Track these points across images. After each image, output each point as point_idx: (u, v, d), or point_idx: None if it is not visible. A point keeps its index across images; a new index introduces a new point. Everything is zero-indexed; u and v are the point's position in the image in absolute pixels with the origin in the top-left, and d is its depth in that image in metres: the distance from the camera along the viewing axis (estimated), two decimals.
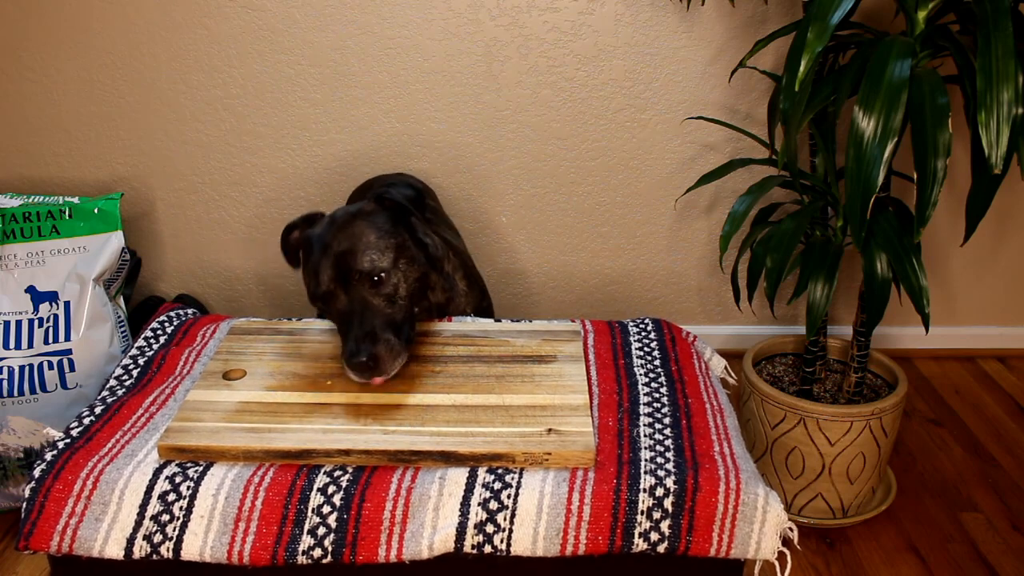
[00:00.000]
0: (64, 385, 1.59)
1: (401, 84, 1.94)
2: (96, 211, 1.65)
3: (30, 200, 1.65)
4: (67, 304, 1.60)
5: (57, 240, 1.63)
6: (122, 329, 1.68)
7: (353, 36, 1.89)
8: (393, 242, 1.35)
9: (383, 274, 1.31)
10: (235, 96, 1.95)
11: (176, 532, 1.08)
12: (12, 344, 1.57)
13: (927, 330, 1.41)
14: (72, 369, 1.60)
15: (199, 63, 1.91)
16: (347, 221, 1.35)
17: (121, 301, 1.74)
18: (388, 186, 1.43)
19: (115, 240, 1.66)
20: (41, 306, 1.60)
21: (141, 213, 2.06)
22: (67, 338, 1.60)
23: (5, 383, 1.55)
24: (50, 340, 1.59)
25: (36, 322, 1.59)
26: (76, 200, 1.66)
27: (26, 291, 1.59)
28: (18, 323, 1.58)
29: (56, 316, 1.60)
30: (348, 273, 1.30)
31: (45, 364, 1.58)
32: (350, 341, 1.26)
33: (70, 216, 1.64)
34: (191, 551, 1.08)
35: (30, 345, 1.57)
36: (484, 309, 1.66)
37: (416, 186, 1.44)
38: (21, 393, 1.56)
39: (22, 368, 1.57)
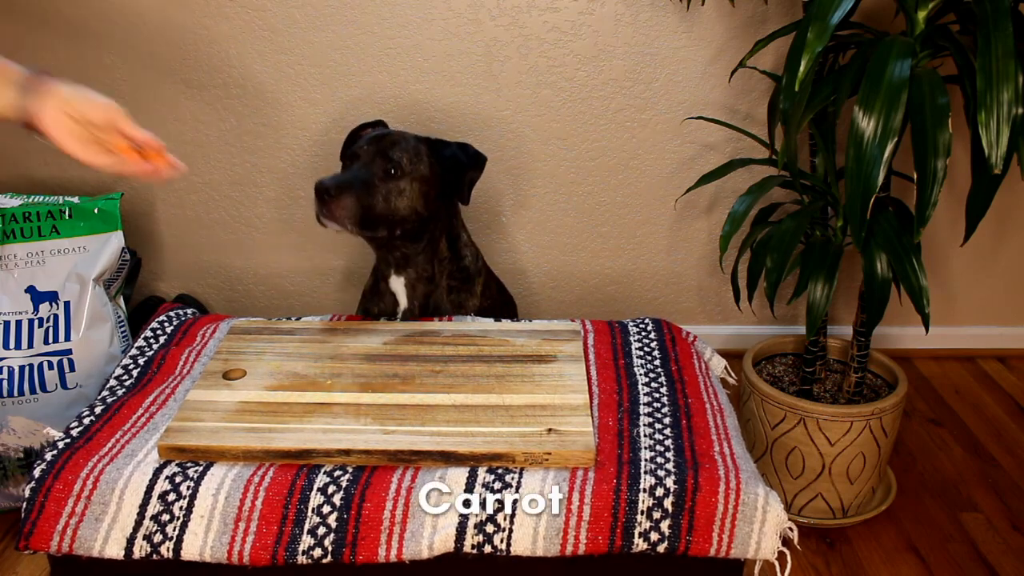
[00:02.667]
0: (64, 385, 1.59)
1: (401, 84, 1.94)
2: (96, 211, 1.65)
3: (30, 200, 1.65)
4: (67, 304, 1.60)
5: (57, 240, 1.63)
6: (122, 329, 1.68)
7: (353, 36, 1.89)
8: (423, 169, 1.46)
9: (400, 172, 1.42)
10: (235, 96, 1.95)
11: (176, 532, 1.08)
12: (12, 344, 1.57)
13: (927, 330, 1.41)
14: (72, 369, 1.60)
15: (199, 63, 1.91)
16: (412, 136, 1.50)
17: (121, 301, 1.74)
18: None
19: (115, 240, 1.66)
20: (41, 306, 1.60)
21: (141, 213, 2.06)
22: (67, 338, 1.60)
23: (5, 383, 1.55)
24: (50, 340, 1.59)
25: (36, 322, 1.59)
26: (76, 200, 1.66)
27: (26, 291, 1.59)
28: (18, 323, 1.58)
29: (56, 316, 1.60)
30: (379, 150, 1.44)
31: (45, 364, 1.58)
32: (335, 176, 1.39)
33: (70, 216, 1.64)
34: (191, 551, 1.08)
35: (30, 345, 1.57)
36: (504, 306, 1.72)
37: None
38: (21, 393, 1.56)
39: (22, 368, 1.57)
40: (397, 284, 1.53)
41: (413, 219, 1.46)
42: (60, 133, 0.98)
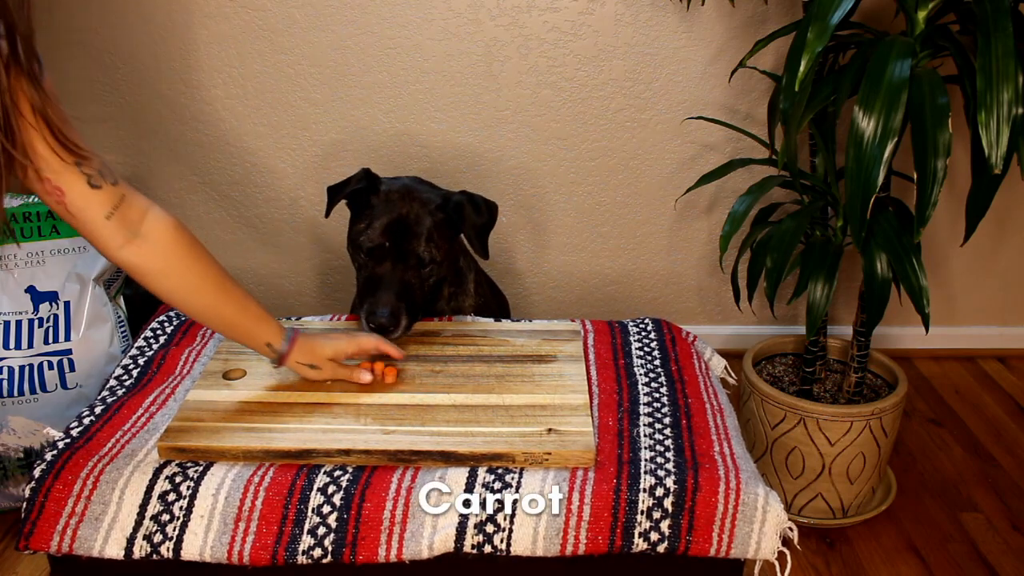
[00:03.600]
0: (64, 385, 1.59)
1: (401, 84, 1.94)
2: None
3: (30, 200, 1.65)
4: (67, 304, 1.60)
5: (57, 240, 1.63)
6: (122, 329, 1.68)
7: (353, 36, 1.89)
8: (444, 244, 1.46)
9: (430, 263, 1.44)
10: (235, 96, 1.95)
11: (176, 532, 1.08)
12: (12, 344, 1.57)
13: (927, 330, 1.40)
14: (72, 369, 1.60)
15: (199, 63, 1.91)
16: (425, 212, 1.45)
17: (121, 301, 1.74)
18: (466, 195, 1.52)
19: None
20: (41, 306, 1.60)
21: None
22: (67, 338, 1.60)
23: (5, 383, 1.55)
24: (50, 340, 1.59)
25: (36, 322, 1.59)
26: None
27: (26, 291, 1.59)
28: (18, 323, 1.58)
29: (56, 316, 1.60)
30: (404, 248, 1.42)
31: (45, 364, 1.58)
32: (378, 302, 1.39)
33: None
34: (191, 551, 1.08)
35: (30, 345, 1.57)
36: (499, 306, 1.70)
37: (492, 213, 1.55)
38: (21, 393, 1.56)
39: (22, 368, 1.56)
40: None
41: (442, 280, 1.51)
42: (296, 370, 1.27)
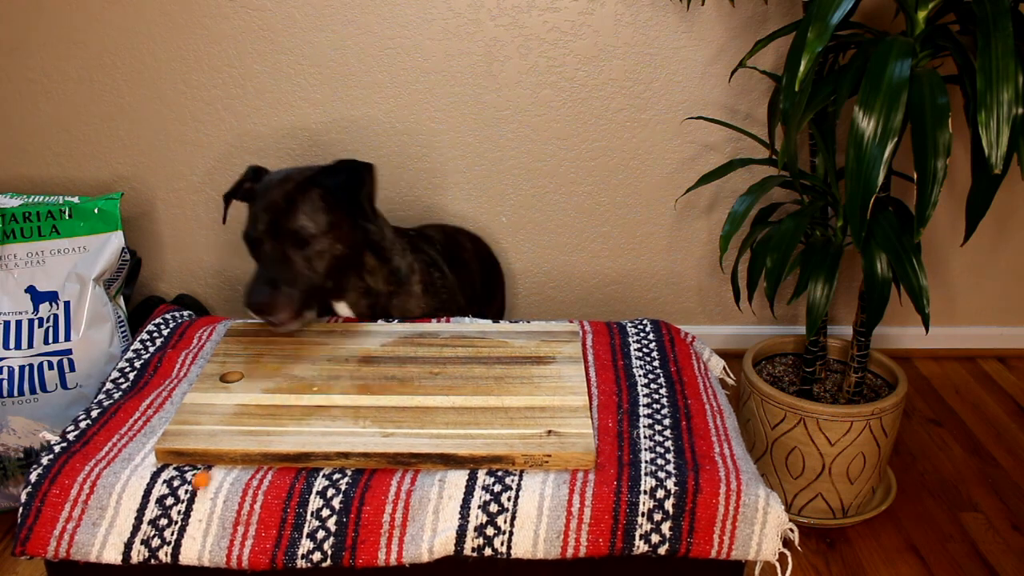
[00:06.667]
0: (64, 385, 1.59)
1: (401, 84, 1.93)
2: (96, 211, 1.65)
3: (30, 200, 1.65)
4: (67, 304, 1.60)
5: (57, 240, 1.63)
6: (122, 329, 1.68)
7: (353, 36, 1.89)
8: (326, 215, 1.41)
9: (310, 238, 1.38)
10: (235, 96, 1.94)
11: (174, 536, 1.08)
12: (12, 344, 1.57)
13: (927, 330, 1.40)
14: (72, 369, 1.59)
15: (199, 63, 1.91)
16: (293, 186, 1.42)
17: (121, 301, 1.74)
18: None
19: (115, 240, 1.66)
20: (41, 306, 1.59)
21: (141, 213, 2.05)
22: (67, 338, 1.59)
23: (5, 383, 1.55)
24: (50, 340, 1.59)
25: (36, 322, 1.59)
26: (76, 200, 1.66)
27: (26, 291, 1.59)
28: (18, 323, 1.58)
29: (56, 316, 1.60)
30: (279, 226, 1.38)
31: (45, 364, 1.58)
32: (255, 281, 1.34)
33: (70, 216, 1.64)
34: (189, 555, 1.08)
35: (30, 345, 1.57)
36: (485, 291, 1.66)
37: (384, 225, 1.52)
38: (21, 393, 1.56)
39: (22, 368, 1.56)
40: (341, 308, 1.51)
41: (340, 264, 1.43)
42: None
